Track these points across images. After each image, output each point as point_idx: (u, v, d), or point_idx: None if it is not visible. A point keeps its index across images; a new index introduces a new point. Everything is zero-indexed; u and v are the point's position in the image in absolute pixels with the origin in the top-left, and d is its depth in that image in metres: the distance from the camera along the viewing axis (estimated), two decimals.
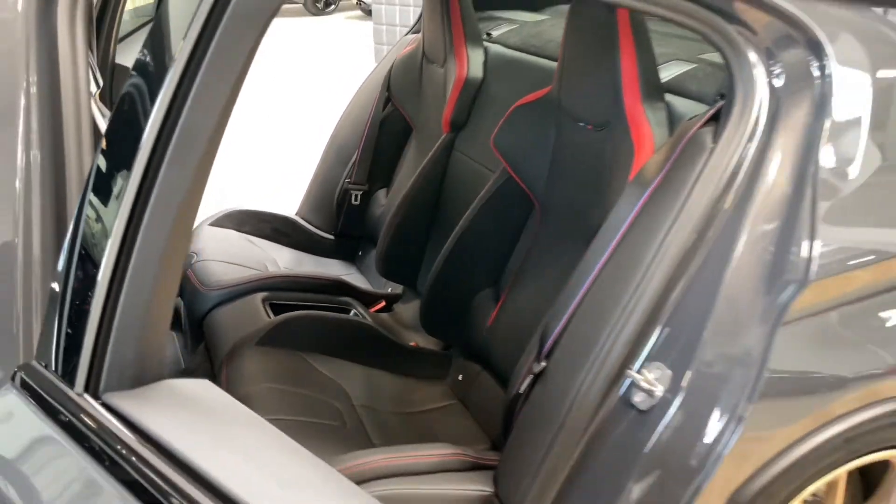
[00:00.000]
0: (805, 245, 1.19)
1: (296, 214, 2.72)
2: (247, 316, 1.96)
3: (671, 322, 1.25)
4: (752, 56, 1.26)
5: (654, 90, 1.49)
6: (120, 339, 0.75)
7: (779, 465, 1.23)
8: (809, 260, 1.18)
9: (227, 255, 2.25)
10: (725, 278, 1.21)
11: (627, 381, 1.25)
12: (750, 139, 1.25)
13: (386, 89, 2.56)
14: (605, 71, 1.50)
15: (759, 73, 1.26)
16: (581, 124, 1.61)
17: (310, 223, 2.68)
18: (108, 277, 0.76)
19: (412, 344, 1.98)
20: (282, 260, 2.45)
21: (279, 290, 2.08)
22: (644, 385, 1.21)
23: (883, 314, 1.27)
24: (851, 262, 1.23)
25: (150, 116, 0.78)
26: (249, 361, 1.69)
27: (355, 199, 2.56)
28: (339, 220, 2.59)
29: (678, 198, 1.28)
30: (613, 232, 1.39)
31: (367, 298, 2.22)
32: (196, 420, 0.80)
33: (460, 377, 1.85)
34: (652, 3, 1.23)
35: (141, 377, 0.78)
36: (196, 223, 2.44)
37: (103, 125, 1.85)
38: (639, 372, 1.24)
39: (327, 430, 1.55)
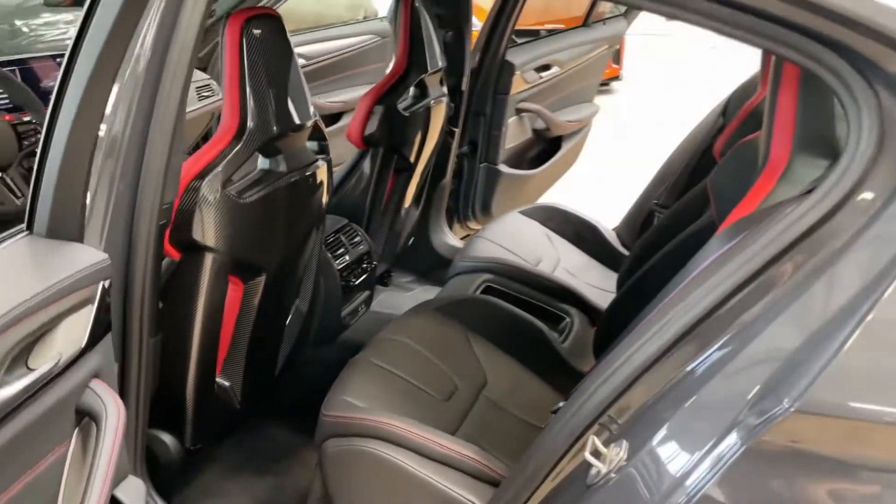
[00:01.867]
0: (819, 365, 0.88)
1: (615, 228, 2.74)
2: (459, 288, 2.14)
3: (654, 399, 1.05)
4: (874, 108, 0.95)
5: (813, 144, 1.17)
6: (45, 192, 1.07)
7: None
8: (812, 383, 0.88)
9: (505, 239, 2.44)
10: (725, 369, 0.97)
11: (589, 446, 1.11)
12: (830, 216, 0.96)
13: (721, 114, 2.37)
14: (769, 112, 1.24)
15: (882, 132, 0.95)
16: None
17: (619, 236, 2.67)
18: (39, 156, 1.09)
19: (585, 369, 1.90)
20: (567, 261, 2.52)
21: (507, 278, 2.20)
22: (590, 458, 1.07)
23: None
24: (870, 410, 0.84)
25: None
26: (417, 318, 1.90)
27: (657, 221, 2.46)
28: (638, 238, 2.53)
29: (724, 265, 1.05)
30: (678, 284, 1.20)
31: (594, 314, 2.17)
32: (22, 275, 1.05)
33: None
34: (751, 31, 1.03)
35: (55, 230, 1.08)
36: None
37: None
38: (603, 442, 1.09)
39: (421, 398, 1.66)
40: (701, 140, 2.46)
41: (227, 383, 1.77)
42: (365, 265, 2.30)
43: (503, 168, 3.05)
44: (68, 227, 1.08)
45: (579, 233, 2.66)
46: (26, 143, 2.16)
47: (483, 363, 1.85)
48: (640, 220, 2.56)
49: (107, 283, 1.08)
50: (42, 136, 1.08)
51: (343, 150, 2.44)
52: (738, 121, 1.91)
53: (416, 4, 2.25)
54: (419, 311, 1.93)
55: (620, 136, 6.52)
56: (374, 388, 1.62)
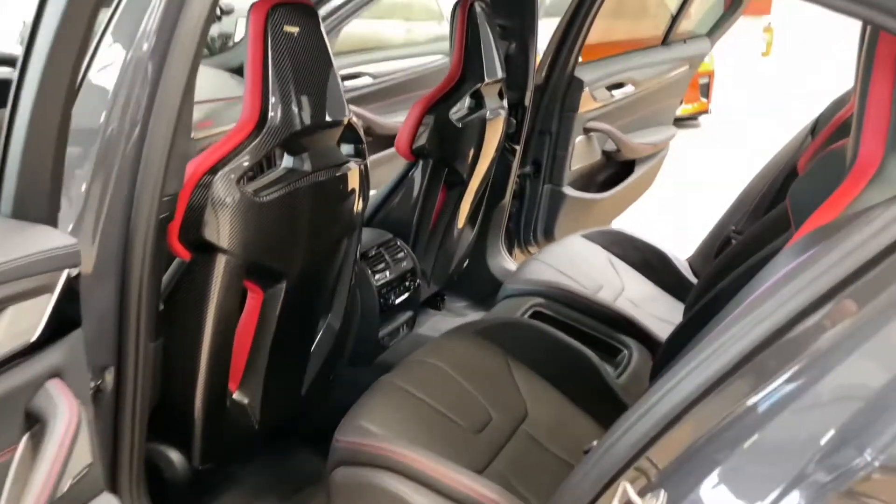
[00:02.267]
0: None
1: (688, 258, 2.51)
2: (506, 312, 1.96)
3: (703, 440, 0.85)
4: None
5: None
6: (10, 169, 0.97)
7: None
8: None
9: (562, 263, 2.25)
10: (790, 407, 0.78)
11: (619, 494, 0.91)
12: None
13: (810, 132, 2.13)
14: (859, 103, 1.03)
15: None
16: None
17: (691, 266, 2.44)
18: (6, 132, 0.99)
19: None
20: (631, 290, 2.31)
21: (560, 303, 2.00)
22: None
23: None
24: None
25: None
26: (454, 341, 1.73)
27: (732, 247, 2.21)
28: None
29: (793, 280, 0.85)
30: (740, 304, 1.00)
31: (657, 348, 1.94)
32: None
33: None
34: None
35: (21, 211, 0.98)
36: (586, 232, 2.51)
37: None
38: (638, 491, 0.89)
39: (447, 428, 1.49)
40: (787, 160, 2.22)
41: (244, 400, 1.64)
42: (408, 283, 2.15)
43: (568, 190, 2.87)
44: (35, 208, 0.98)
45: (647, 260, 2.44)
46: None
47: (524, 394, 1.66)
48: (715, 249, 2.32)
49: (73, 272, 0.97)
50: (8, 110, 0.99)
51: None
52: (825, 133, 1.67)
53: (476, 9, 2.12)
54: (457, 333, 1.77)
55: (704, 170, 6.22)
56: (395, 414, 1.46)
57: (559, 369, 1.72)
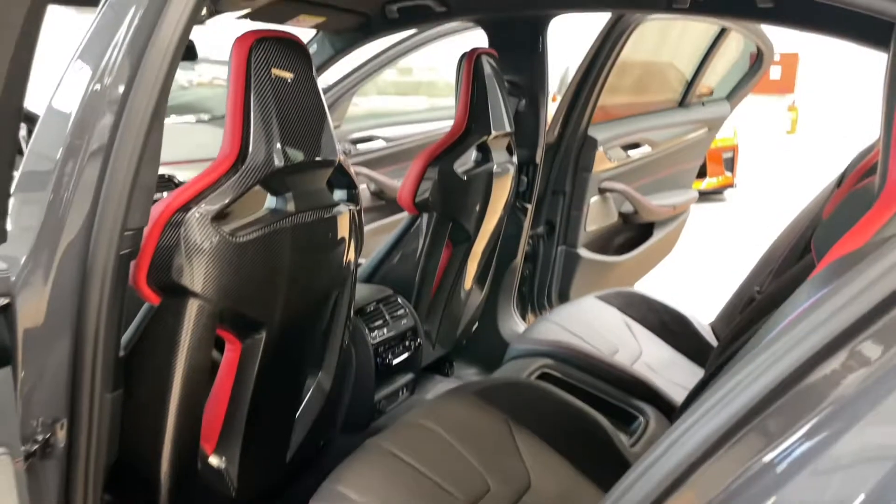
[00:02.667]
0: None
1: (711, 322, 2.36)
2: (512, 372, 1.82)
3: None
4: None
5: None
6: None
7: None
8: None
9: (575, 324, 2.12)
10: (812, 466, 0.64)
11: None
12: None
13: (836, 186, 2.00)
14: (885, 125, 0.93)
15: None
16: None
17: (714, 330, 2.29)
18: None
19: None
20: (649, 354, 2.16)
21: (570, 365, 1.86)
22: None
23: None
24: None
25: None
26: (451, 402, 1.59)
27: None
28: None
29: (813, 313, 0.72)
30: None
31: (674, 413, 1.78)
32: None
33: None
34: None
35: None
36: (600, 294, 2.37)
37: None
38: None
39: (437, 498, 1.34)
40: (814, 215, 2.09)
41: (220, 464, 1.51)
42: (408, 343, 2.02)
43: (584, 252, 2.75)
44: None
45: (666, 324, 2.29)
46: None
47: (527, 462, 1.50)
48: (738, 311, 2.18)
49: (2, 301, 0.87)
50: None
51: None
52: (851, 180, 1.55)
53: (482, 61, 2.07)
54: (455, 394, 1.63)
55: (731, 238, 6.08)
56: (379, 480, 1.32)
57: (567, 435, 1.57)
